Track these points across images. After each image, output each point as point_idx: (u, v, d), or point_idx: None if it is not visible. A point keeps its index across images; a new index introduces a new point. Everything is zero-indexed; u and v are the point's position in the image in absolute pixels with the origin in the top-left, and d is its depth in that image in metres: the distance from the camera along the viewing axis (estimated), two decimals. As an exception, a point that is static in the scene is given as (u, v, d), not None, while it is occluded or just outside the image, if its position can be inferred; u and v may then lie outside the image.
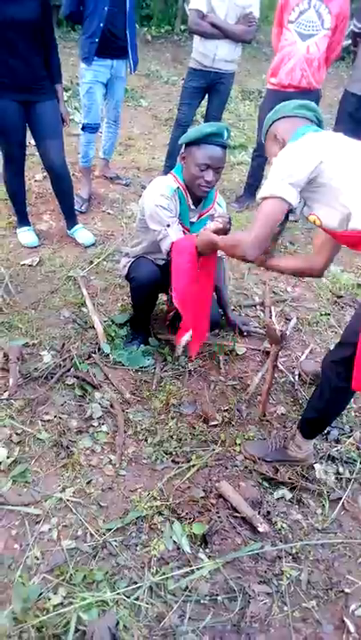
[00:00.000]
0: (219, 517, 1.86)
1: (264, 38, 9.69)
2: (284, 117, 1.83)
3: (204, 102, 4.16)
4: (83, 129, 3.83)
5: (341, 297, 3.27)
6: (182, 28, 10.85)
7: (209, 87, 3.96)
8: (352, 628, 1.61)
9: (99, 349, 2.57)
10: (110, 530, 1.79)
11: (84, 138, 3.87)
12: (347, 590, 1.72)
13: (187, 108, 4.03)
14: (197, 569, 1.70)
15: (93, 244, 3.49)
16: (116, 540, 1.76)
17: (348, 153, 1.61)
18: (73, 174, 3.57)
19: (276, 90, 3.68)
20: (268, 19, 5.37)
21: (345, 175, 1.58)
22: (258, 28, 3.97)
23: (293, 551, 1.81)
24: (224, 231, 2.10)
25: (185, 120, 4.07)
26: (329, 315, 3.09)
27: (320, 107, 3.93)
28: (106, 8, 3.38)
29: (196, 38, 3.81)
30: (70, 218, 3.51)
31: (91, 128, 3.81)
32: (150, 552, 1.74)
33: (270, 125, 1.87)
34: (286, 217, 1.91)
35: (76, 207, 3.62)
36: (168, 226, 2.26)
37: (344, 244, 1.75)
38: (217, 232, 2.08)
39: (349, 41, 4.08)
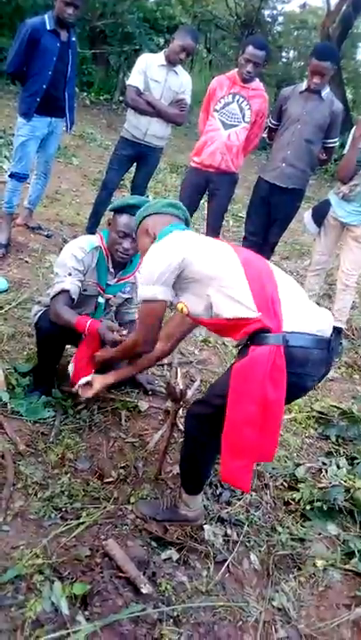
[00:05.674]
0: (102, 577, 1.81)
1: (196, 119, 10.47)
2: (153, 214, 2.02)
3: (133, 168, 4.38)
4: (10, 176, 3.88)
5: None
6: (120, 98, 11.47)
7: (138, 157, 4.18)
8: None
9: (-3, 397, 2.49)
10: (-16, 589, 1.68)
11: (10, 184, 3.91)
12: (224, 655, 1.72)
13: (114, 173, 4.22)
14: (74, 632, 1.63)
15: (6, 291, 3.45)
16: (-11, 601, 1.65)
17: (208, 249, 1.85)
18: (-6, 220, 3.57)
19: (198, 168, 3.99)
20: (200, 103, 5.84)
21: (207, 269, 1.79)
22: (191, 110, 4.32)
23: (175, 614, 1.79)
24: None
25: (111, 184, 4.23)
26: (231, 380, 3.22)
27: (239, 188, 4.35)
28: (50, 72, 3.58)
29: (131, 111, 4.05)
30: (-14, 262, 3.47)
31: (19, 177, 3.87)
32: (25, 614, 1.65)
33: (141, 221, 2.05)
34: None
35: (-8, 252, 3.60)
36: (69, 274, 2.35)
37: (212, 330, 1.97)
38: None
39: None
